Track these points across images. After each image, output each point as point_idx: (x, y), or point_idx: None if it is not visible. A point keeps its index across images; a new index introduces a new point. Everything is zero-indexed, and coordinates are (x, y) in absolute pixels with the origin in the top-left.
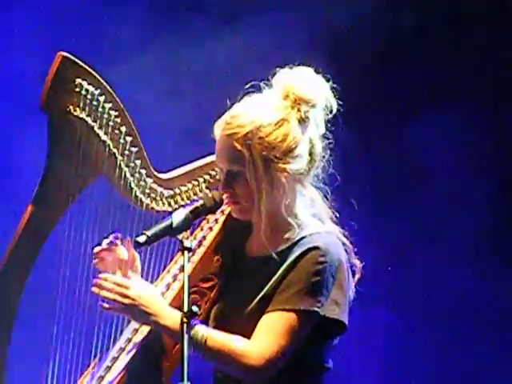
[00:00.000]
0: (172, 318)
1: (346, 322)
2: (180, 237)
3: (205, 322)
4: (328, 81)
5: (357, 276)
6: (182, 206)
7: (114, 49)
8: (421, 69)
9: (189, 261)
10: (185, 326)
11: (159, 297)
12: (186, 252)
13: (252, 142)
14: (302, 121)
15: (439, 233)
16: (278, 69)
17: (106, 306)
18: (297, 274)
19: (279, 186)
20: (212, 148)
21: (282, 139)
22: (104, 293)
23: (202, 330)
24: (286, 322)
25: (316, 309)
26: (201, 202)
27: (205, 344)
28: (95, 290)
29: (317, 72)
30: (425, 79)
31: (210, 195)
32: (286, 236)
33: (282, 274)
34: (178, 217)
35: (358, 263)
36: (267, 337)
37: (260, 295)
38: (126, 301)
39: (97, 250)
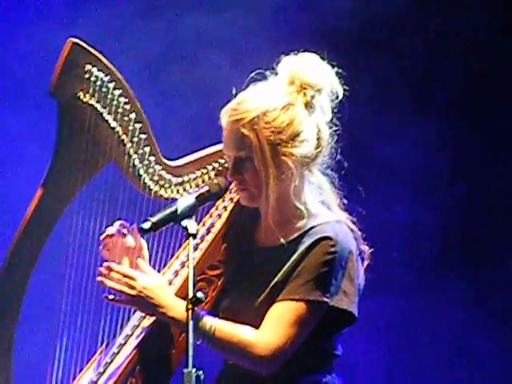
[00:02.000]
0: (179, 309)
1: (356, 313)
2: (184, 223)
3: (213, 311)
4: (333, 67)
5: (366, 262)
6: (190, 193)
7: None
8: None
9: (197, 248)
10: (190, 312)
11: (166, 287)
12: (190, 238)
13: (258, 127)
14: (308, 105)
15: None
16: (282, 56)
17: (111, 297)
18: (307, 264)
19: (287, 171)
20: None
21: (289, 123)
22: (110, 283)
23: (210, 321)
24: (294, 312)
25: (325, 299)
26: (206, 188)
27: (213, 335)
28: (100, 279)
29: (322, 58)
30: None
31: (215, 181)
32: (296, 225)
33: (292, 264)
34: (182, 203)
35: (366, 249)
36: (276, 327)
37: (270, 285)
38: (133, 292)
39: (102, 237)
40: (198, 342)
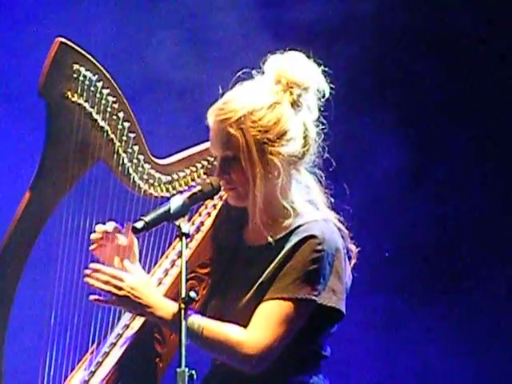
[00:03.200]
0: (166, 309)
1: (343, 310)
2: (177, 222)
3: (202, 309)
4: (319, 65)
5: (353, 261)
6: (180, 191)
7: None
8: None
9: (187, 246)
10: (182, 311)
11: (153, 288)
12: (183, 238)
13: (245, 126)
14: (295, 104)
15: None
16: (269, 55)
17: (94, 297)
18: (294, 263)
19: (274, 170)
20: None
21: (275, 122)
22: (97, 284)
23: (198, 321)
24: (282, 311)
25: (313, 297)
26: (198, 187)
27: (201, 334)
28: (87, 280)
29: (308, 57)
30: None
31: (207, 181)
32: (283, 224)
33: (279, 262)
34: (175, 202)
35: (353, 248)
36: (263, 325)
37: (257, 284)
38: (120, 293)
39: (93, 236)
40: (187, 342)
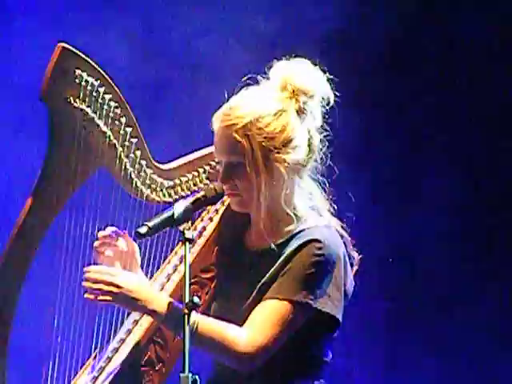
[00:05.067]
0: (159, 302)
1: (339, 318)
2: (181, 228)
3: (205, 313)
4: (325, 72)
5: (355, 268)
6: (183, 196)
7: None
8: None
9: (189, 252)
10: (186, 317)
11: (146, 283)
12: (187, 243)
13: (251, 133)
14: (301, 112)
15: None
16: (274, 61)
17: (90, 296)
18: (293, 266)
19: (278, 177)
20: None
21: (281, 130)
22: (88, 284)
23: (193, 316)
24: (278, 312)
25: (309, 301)
26: (202, 192)
27: (195, 330)
28: (84, 283)
29: (314, 64)
30: None
31: (211, 186)
32: (285, 229)
33: (279, 265)
34: (179, 208)
35: (356, 255)
36: (258, 325)
37: (258, 286)
38: (111, 288)
39: (96, 244)
40: (179, 337)
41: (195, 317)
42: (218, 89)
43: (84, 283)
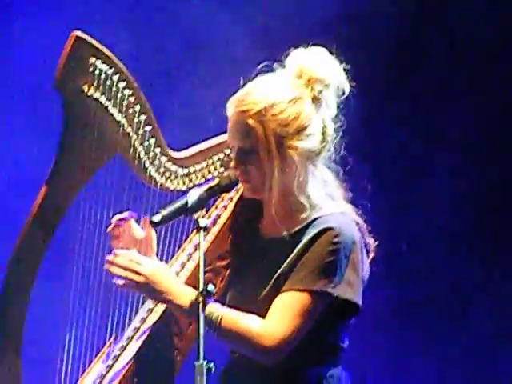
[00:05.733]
0: (185, 296)
1: (360, 303)
2: (195, 216)
3: (220, 301)
4: (341, 62)
5: (371, 255)
6: (196, 184)
7: None
8: None
9: (203, 240)
10: (201, 305)
11: (172, 275)
12: (201, 231)
13: (265, 119)
14: (316, 100)
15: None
16: (292, 48)
17: (121, 282)
18: (311, 255)
19: (291, 164)
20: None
21: (295, 117)
22: (116, 269)
23: (217, 310)
24: (299, 303)
25: (329, 289)
26: (216, 180)
27: (219, 324)
28: (107, 266)
29: (331, 53)
30: None
31: (225, 174)
32: (300, 217)
33: (296, 255)
34: (193, 196)
35: (372, 242)
36: (280, 317)
37: (275, 276)
38: (138, 278)
39: (110, 228)
40: (205, 331)
41: (219, 310)
42: (231, 76)
43: (109, 267)
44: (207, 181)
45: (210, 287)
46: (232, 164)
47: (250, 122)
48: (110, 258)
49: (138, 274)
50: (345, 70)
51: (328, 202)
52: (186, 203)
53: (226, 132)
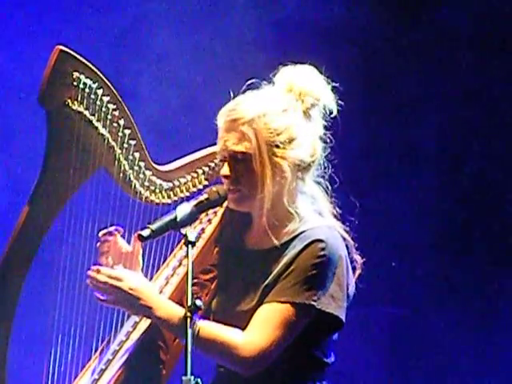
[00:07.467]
0: (165, 310)
1: (343, 318)
2: (184, 231)
3: (205, 314)
4: (328, 83)
5: (358, 272)
6: (182, 198)
7: None
8: None
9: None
10: (188, 320)
11: (153, 289)
12: (189, 246)
13: (258, 127)
14: (307, 113)
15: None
16: (280, 66)
17: (101, 297)
18: (296, 267)
19: (281, 173)
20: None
21: (287, 127)
22: (96, 285)
23: (196, 321)
24: (281, 315)
25: (312, 302)
26: (205, 195)
27: (198, 334)
28: (89, 282)
29: (319, 72)
30: None
31: (214, 189)
32: (287, 229)
33: (282, 268)
34: (182, 211)
35: (358, 259)
36: (261, 329)
37: (260, 288)
38: (120, 293)
39: (98, 244)
40: (182, 342)
41: (197, 322)
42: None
43: (90, 282)
44: (193, 195)
45: (198, 302)
46: (222, 170)
47: (243, 128)
48: (90, 273)
49: (119, 288)
50: (333, 89)
51: (315, 215)
52: (175, 218)
53: (209, 145)
